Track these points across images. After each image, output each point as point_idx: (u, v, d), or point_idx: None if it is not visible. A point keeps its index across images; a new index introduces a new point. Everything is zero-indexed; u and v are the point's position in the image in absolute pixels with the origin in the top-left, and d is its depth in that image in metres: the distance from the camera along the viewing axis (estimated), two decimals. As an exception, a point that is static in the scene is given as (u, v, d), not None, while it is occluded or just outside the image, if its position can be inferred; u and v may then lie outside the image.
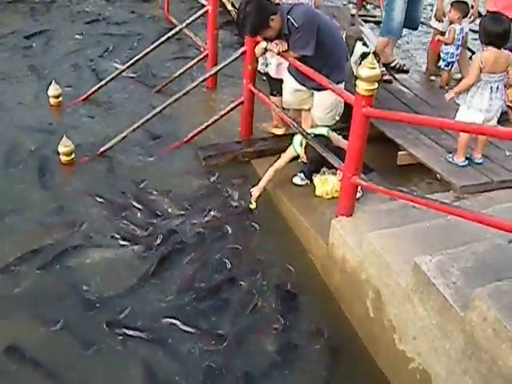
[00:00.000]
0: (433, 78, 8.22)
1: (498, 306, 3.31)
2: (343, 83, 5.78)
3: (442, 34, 7.81)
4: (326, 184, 5.64)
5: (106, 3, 10.98)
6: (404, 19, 7.60)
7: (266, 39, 5.67)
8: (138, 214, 5.65)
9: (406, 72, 8.19)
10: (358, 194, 5.12)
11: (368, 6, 11.30)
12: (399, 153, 6.19)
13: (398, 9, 7.52)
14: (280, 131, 6.79)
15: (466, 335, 3.55)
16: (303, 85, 5.92)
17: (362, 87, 4.33)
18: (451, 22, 7.58)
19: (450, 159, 5.76)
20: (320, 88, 5.67)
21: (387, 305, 4.34)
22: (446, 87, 7.83)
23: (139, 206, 5.73)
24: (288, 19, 5.44)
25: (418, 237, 4.46)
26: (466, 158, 5.78)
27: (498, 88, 5.49)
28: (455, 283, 3.75)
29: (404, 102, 7.11)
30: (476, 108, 5.49)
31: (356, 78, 4.38)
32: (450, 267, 3.85)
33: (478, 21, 8.11)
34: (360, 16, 9.96)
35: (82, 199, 5.79)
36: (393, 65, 8.01)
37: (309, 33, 5.43)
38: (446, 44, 7.63)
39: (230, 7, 9.89)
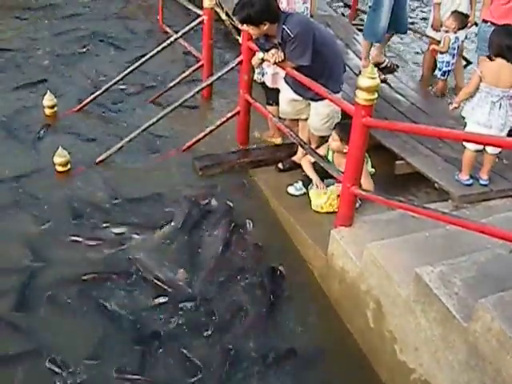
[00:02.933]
0: (429, 86, 8.24)
1: (502, 316, 3.30)
2: (340, 93, 5.77)
3: (438, 43, 7.83)
4: (320, 198, 5.61)
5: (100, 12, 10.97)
6: (389, 24, 7.59)
7: (266, 40, 5.64)
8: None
9: (397, 67, 8.21)
10: (357, 204, 5.12)
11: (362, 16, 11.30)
12: (396, 162, 6.17)
13: (382, 15, 7.51)
14: (277, 141, 6.77)
15: (469, 346, 3.54)
16: (300, 95, 5.89)
17: (361, 97, 4.32)
18: (447, 31, 7.60)
19: (456, 177, 5.69)
20: (317, 98, 5.67)
21: (388, 315, 4.32)
22: (443, 96, 7.87)
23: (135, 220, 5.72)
24: (283, 29, 5.42)
25: (418, 247, 4.45)
26: (471, 177, 5.67)
27: (500, 105, 5.31)
28: (457, 294, 3.74)
29: (400, 111, 7.10)
30: (474, 121, 5.41)
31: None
32: (451, 277, 3.84)
33: (473, 29, 8.23)
34: (354, 25, 9.99)
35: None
36: (383, 65, 7.99)
37: (305, 42, 5.40)
38: (441, 53, 7.65)
39: (224, 17, 9.88)
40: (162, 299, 4.84)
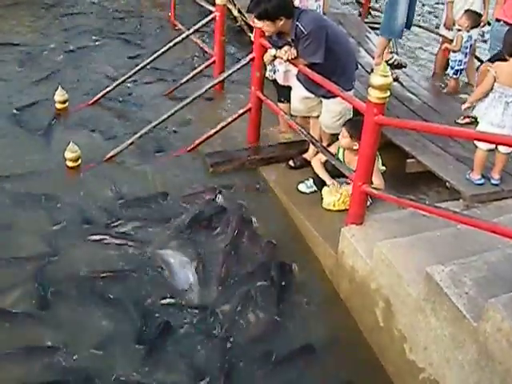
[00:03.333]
0: (441, 84, 8.22)
1: (512, 316, 3.29)
2: (352, 91, 5.76)
3: (451, 41, 7.81)
4: (334, 194, 5.60)
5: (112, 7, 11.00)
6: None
7: (279, 36, 5.64)
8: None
9: (404, 67, 8.20)
10: (367, 202, 5.11)
11: (374, 13, 11.29)
12: (407, 160, 6.16)
13: (400, 10, 7.51)
14: (287, 138, 6.77)
15: (479, 346, 3.53)
16: (312, 92, 5.89)
17: (373, 95, 4.31)
18: (459, 29, 7.57)
19: (467, 176, 5.67)
20: (329, 95, 5.66)
21: (397, 314, 4.32)
22: (455, 95, 7.85)
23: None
24: (297, 26, 5.41)
25: (428, 246, 4.44)
26: (483, 177, 5.65)
27: None
28: (468, 293, 3.73)
29: (412, 110, 7.09)
30: (488, 121, 5.37)
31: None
32: (462, 277, 3.83)
33: (486, 28, 8.20)
34: (366, 23, 9.98)
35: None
36: (390, 62, 7.97)
37: (318, 40, 5.40)
38: (453, 51, 7.63)
39: (236, 13, 9.89)
40: (171, 300, 4.83)
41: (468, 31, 7.52)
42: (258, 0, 5.42)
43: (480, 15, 7.68)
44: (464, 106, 5.78)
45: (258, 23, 5.59)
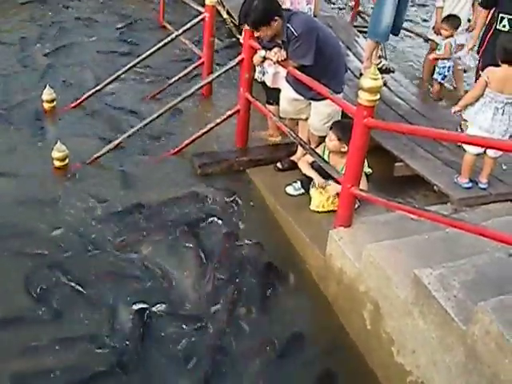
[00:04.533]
0: (429, 89, 8.26)
1: (501, 319, 3.29)
2: (341, 94, 5.76)
3: (437, 45, 7.86)
4: (322, 194, 5.59)
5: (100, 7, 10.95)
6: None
7: (259, 38, 5.63)
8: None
9: (392, 71, 8.23)
10: (356, 205, 5.10)
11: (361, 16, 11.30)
12: (395, 164, 6.17)
13: (386, 12, 7.55)
14: (276, 140, 6.76)
15: (467, 349, 3.53)
16: (301, 94, 5.87)
17: (364, 98, 4.30)
18: (447, 37, 7.60)
19: (455, 179, 5.68)
20: (318, 98, 5.64)
21: (385, 317, 4.31)
22: (440, 99, 7.89)
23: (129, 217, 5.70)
24: (287, 27, 5.40)
25: (417, 249, 4.44)
26: (471, 181, 5.66)
27: (504, 111, 5.29)
28: (456, 296, 3.73)
29: (400, 114, 7.09)
30: (477, 126, 5.39)
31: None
32: (450, 280, 3.83)
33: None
34: (355, 27, 9.98)
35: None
36: (379, 67, 7.99)
37: (308, 42, 5.39)
38: (443, 59, 7.67)
39: (225, 15, 9.88)
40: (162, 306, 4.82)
41: (452, 36, 7.56)
42: (244, 11, 5.41)
43: (457, 17, 7.70)
44: (453, 110, 5.79)
45: (256, 33, 5.57)
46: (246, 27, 5.74)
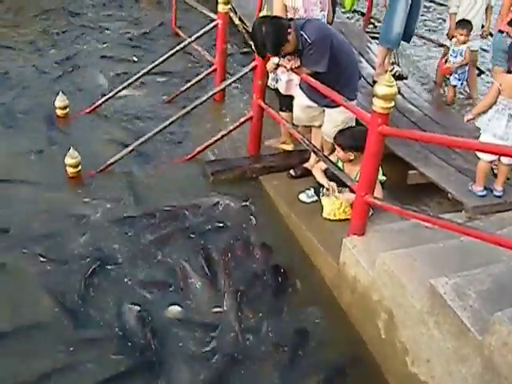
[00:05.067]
0: (443, 96, 8.24)
1: (519, 330, 3.26)
2: (355, 101, 5.74)
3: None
4: (334, 204, 5.57)
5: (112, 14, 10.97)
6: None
7: (284, 55, 5.60)
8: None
9: (405, 78, 8.20)
10: (369, 213, 5.07)
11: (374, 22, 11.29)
12: (409, 172, 6.14)
13: (397, 19, 7.59)
14: (288, 147, 6.74)
15: (484, 360, 3.50)
16: (315, 101, 5.85)
17: (378, 105, 4.28)
18: (463, 42, 7.57)
19: (470, 187, 5.65)
20: (331, 105, 5.63)
21: (400, 326, 4.28)
22: (452, 104, 7.87)
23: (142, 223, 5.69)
24: (301, 35, 5.39)
25: (432, 258, 4.41)
26: (485, 188, 5.63)
27: None
28: (472, 306, 3.70)
29: (413, 121, 7.06)
30: (490, 133, 5.36)
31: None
32: (466, 290, 3.80)
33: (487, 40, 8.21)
34: (367, 33, 9.96)
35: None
36: (392, 73, 7.96)
37: (322, 49, 5.38)
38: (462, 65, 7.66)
39: (237, 21, 9.88)
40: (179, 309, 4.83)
41: (467, 41, 7.56)
42: (260, 43, 5.40)
43: (469, 21, 7.68)
44: (466, 118, 5.76)
45: (283, 60, 5.60)
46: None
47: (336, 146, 5.50)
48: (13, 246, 5.23)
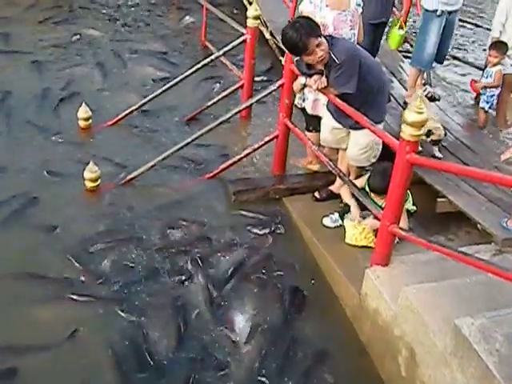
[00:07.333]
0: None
1: (548, 380, 3.05)
2: (382, 124, 5.55)
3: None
4: (355, 228, 5.39)
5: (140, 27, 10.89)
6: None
7: (308, 65, 5.42)
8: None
9: (438, 100, 7.99)
10: (394, 241, 4.87)
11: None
12: (438, 200, 5.93)
13: (429, 41, 7.45)
14: (315, 167, 6.57)
15: (509, 409, 3.29)
16: (340, 123, 5.67)
17: (407, 132, 4.10)
18: (495, 64, 7.37)
19: (504, 224, 5.41)
20: (357, 127, 5.43)
21: (421, 365, 4.09)
22: (484, 128, 7.65)
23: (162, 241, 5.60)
24: (329, 54, 5.21)
25: (457, 294, 4.22)
26: None
27: None
28: (499, 350, 3.49)
29: (444, 146, 6.83)
30: None
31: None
32: (493, 332, 3.59)
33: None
34: (400, 52, 9.78)
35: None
36: (424, 94, 7.78)
37: (351, 70, 5.19)
38: (492, 87, 7.44)
39: (268, 36, 9.73)
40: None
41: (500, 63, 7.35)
42: (291, 44, 5.16)
43: (505, 44, 7.48)
44: (503, 157, 5.55)
45: (312, 58, 5.28)
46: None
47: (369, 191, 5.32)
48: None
